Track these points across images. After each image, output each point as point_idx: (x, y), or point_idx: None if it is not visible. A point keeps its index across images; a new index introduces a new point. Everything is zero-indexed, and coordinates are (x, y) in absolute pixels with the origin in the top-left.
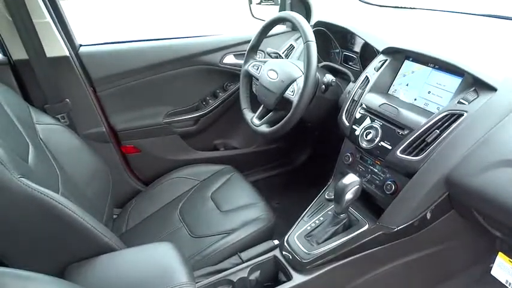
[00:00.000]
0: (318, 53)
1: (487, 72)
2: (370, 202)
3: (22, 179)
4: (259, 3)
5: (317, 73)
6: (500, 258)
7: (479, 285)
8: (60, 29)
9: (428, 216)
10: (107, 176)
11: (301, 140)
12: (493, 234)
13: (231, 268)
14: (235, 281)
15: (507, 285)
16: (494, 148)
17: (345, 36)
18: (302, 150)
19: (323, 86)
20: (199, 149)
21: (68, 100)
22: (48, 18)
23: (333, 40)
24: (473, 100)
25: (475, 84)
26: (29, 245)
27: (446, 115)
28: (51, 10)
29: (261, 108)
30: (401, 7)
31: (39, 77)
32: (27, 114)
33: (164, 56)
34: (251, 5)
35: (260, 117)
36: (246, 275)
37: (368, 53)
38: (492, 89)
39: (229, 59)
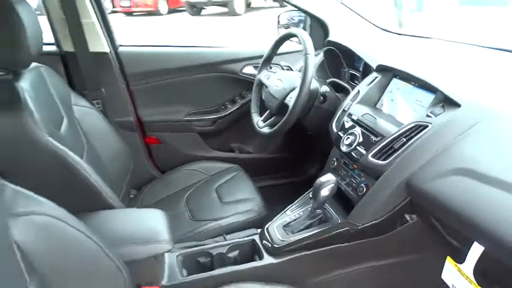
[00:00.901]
0: (328, 69)
1: (454, 90)
2: (348, 204)
3: (49, 137)
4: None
5: (317, 85)
6: (448, 263)
7: None
8: (104, 29)
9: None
10: (129, 159)
11: (312, 152)
12: (455, 244)
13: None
14: (214, 254)
15: None
16: (450, 158)
17: (351, 56)
18: (313, 163)
19: (321, 97)
20: (215, 148)
21: (103, 89)
22: (94, 19)
23: (341, 59)
24: (439, 114)
25: (444, 101)
26: (42, 191)
27: (414, 126)
28: (98, 13)
29: (266, 112)
30: (417, 36)
31: (82, 67)
32: (68, 96)
33: (191, 61)
34: (279, 26)
35: (264, 120)
36: (224, 252)
37: (368, 71)
38: (457, 105)
39: (249, 70)
